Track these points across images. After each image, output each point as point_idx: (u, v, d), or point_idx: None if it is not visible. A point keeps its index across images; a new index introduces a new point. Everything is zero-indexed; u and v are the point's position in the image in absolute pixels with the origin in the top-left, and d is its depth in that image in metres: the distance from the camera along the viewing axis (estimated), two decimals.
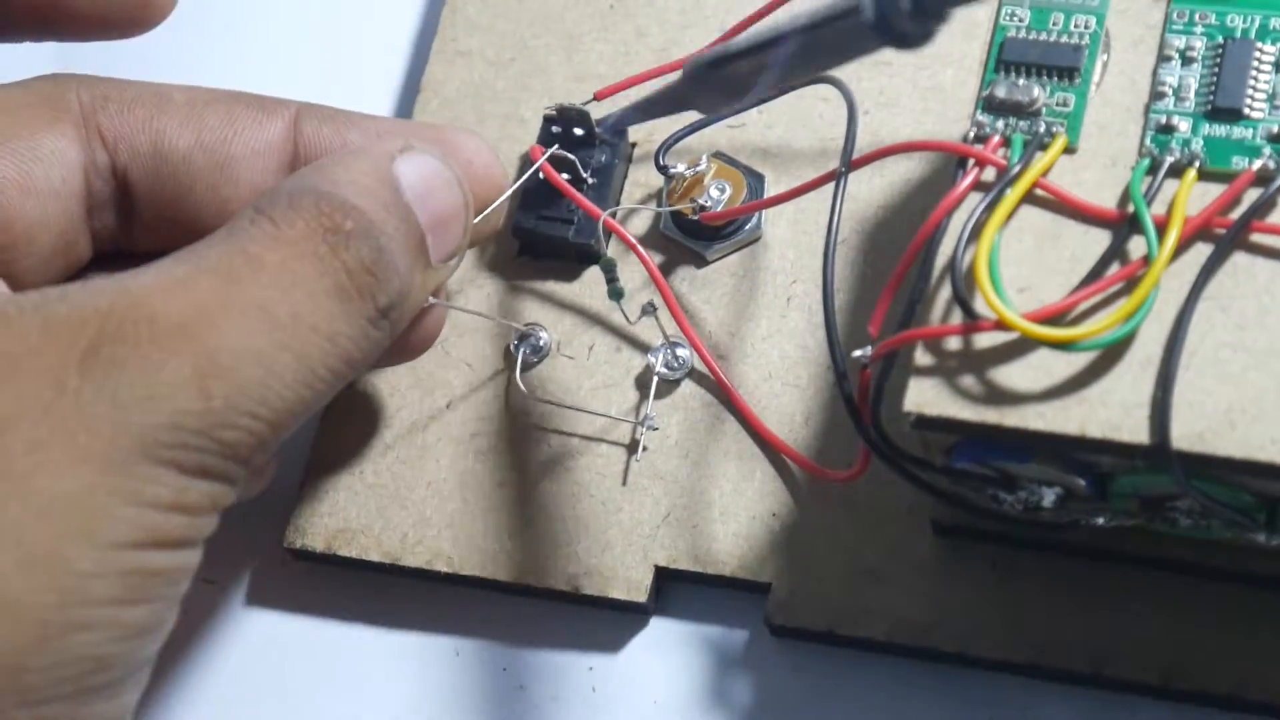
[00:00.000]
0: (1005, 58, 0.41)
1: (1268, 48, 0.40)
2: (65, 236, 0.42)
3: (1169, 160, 0.39)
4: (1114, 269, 0.39)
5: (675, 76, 0.46)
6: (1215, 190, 0.39)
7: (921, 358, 0.39)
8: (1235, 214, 0.39)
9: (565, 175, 0.48)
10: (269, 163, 0.43)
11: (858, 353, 0.40)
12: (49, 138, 0.42)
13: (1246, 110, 0.40)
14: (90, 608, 0.35)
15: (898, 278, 0.40)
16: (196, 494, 0.36)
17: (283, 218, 0.38)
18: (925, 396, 0.38)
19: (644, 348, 0.47)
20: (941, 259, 0.39)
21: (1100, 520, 0.40)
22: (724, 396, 0.46)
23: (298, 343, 0.37)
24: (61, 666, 0.35)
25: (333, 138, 0.43)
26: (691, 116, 0.47)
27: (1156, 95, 0.40)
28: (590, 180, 0.48)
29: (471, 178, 0.42)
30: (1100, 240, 0.39)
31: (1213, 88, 0.40)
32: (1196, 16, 0.41)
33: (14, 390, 0.35)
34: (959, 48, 0.48)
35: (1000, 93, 0.41)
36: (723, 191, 0.47)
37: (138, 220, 0.43)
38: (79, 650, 0.35)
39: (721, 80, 0.39)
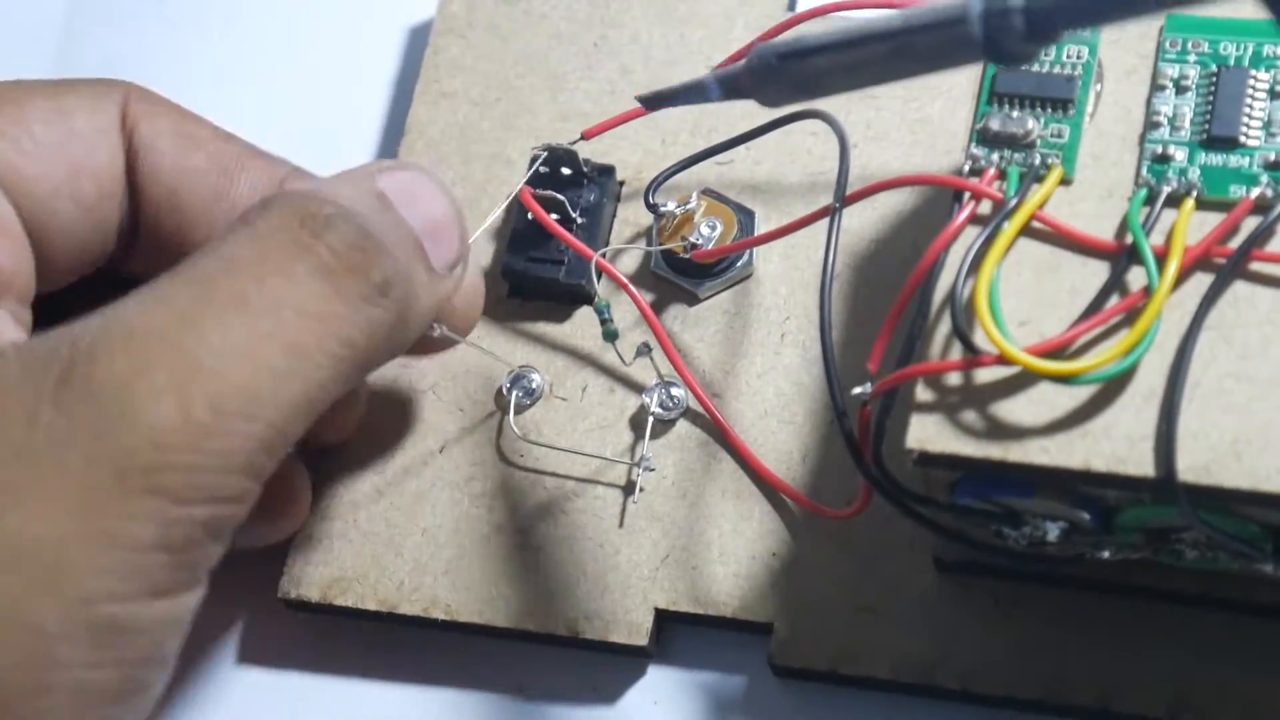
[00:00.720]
0: (998, 90, 0.41)
1: (1262, 75, 0.40)
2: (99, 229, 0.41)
3: (1166, 190, 0.39)
4: (1114, 300, 0.38)
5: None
6: (1214, 219, 0.39)
7: (922, 394, 0.38)
8: (1234, 243, 0.38)
9: (554, 215, 0.47)
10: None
11: (857, 390, 0.39)
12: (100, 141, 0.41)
13: (1243, 138, 0.39)
14: (56, 670, 0.33)
15: (895, 313, 0.39)
16: (188, 524, 0.34)
17: (258, 216, 0.37)
18: (928, 433, 0.38)
19: (638, 388, 0.47)
20: (940, 293, 0.39)
21: (1105, 554, 0.40)
22: (720, 436, 0.46)
23: (284, 330, 0.35)
24: None
25: None
26: (681, 153, 0.47)
27: (1151, 125, 0.40)
28: (579, 219, 0.48)
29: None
30: (1099, 272, 0.39)
31: (1208, 116, 0.40)
32: (1190, 45, 0.41)
33: None
34: (947, 79, 0.48)
35: (994, 125, 0.41)
36: (713, 229, 0.47)
37: (137, 246, 0.43)
38: (44, 718, 0.33)
39: (793, 75, 0.37)
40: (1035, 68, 0.41)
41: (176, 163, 0.42)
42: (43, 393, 0.34)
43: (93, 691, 0.33)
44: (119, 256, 0.43)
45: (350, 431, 0.45)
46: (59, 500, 0.33)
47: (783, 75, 0.37)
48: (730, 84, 0.39)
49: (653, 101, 0.44)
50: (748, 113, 0.49)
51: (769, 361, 0.47)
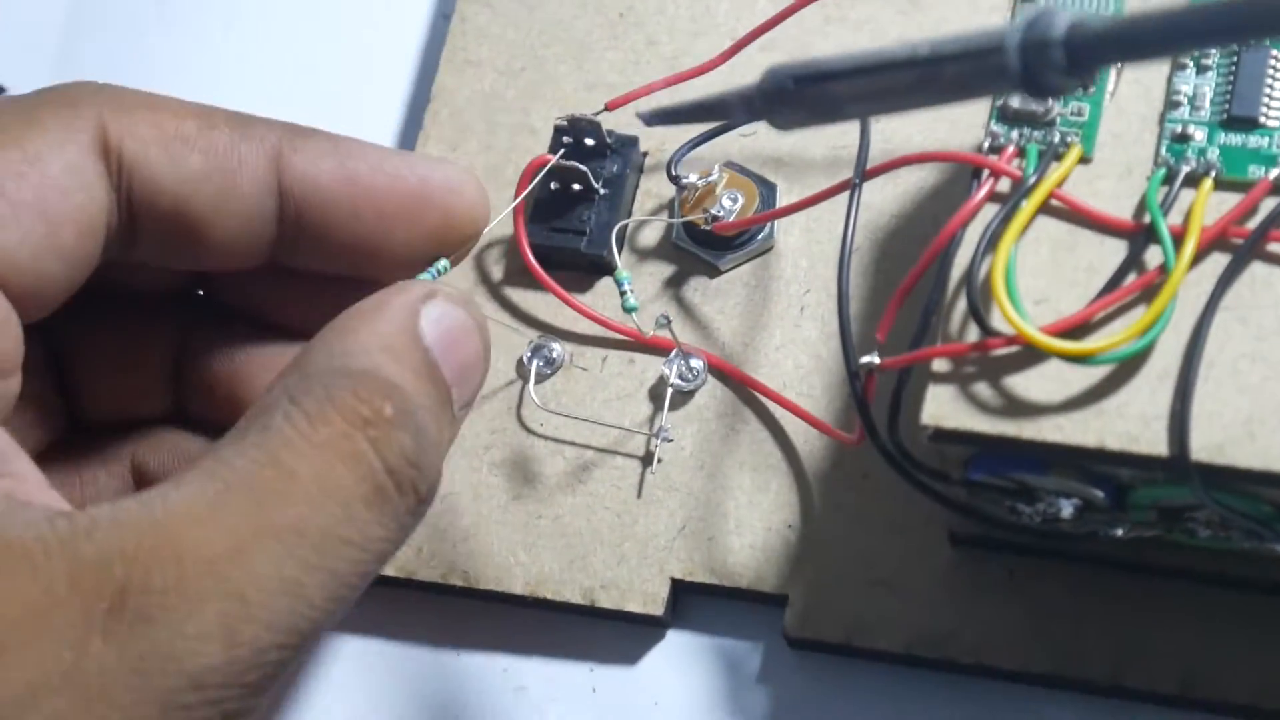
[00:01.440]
0: None
1: None
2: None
3: (1185, 170, 0.39)
4: (1131, 279, 0.38)
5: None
6: (1232, 200, 0.39)
7: (938, 370, 0.39)
8: (1252, 223, 0.38)
9: (576, 185, 0.47)
10: (248, 206, 0.41)
11: (864, 359, 0.40)
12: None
13: (1263, 119, 0.39)
14: None
15: (908, 286, 0.40)
16: None
17: (318, 413, 0.36)
18: (943, 409, 0.38)
19: (658, 359, 0.47)
20: (957, 270, 0.39)
21: (1119, 531, 0.40)
22: (740, 388, 0.46)
23: (330, 560, 0.35)
24: None
25: (336, 172, 0.41)
26: (704, 126, 0.47)
27: (1171, 104, 0.40)
28: (602, 190, 0.48)
29: (456, 212, 0.41)
30: (1116, 251, 0.39)
31: (1228, 96, 0.40)
32: None
33: (37, 654, 0.33)
34: None
35: (1014, 103, 0.41)
36: (735, 201, 0.47)
37: (137, 239, 0.41)
38: None
39: (810, 99, 0.36)
40: None
41: (172, 173, 0.40)
42: (93, 616, 0.33)
43: None
44: (118, 269, 0.42)
45: None
46: None
47: (798, 99, 0.36)
48: (741, 105, 0.39)
49: (654, 118, 0.43)
50: None
51: (788, 334, 0.47)
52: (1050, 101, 0.40)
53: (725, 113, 0.40)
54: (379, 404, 0.36)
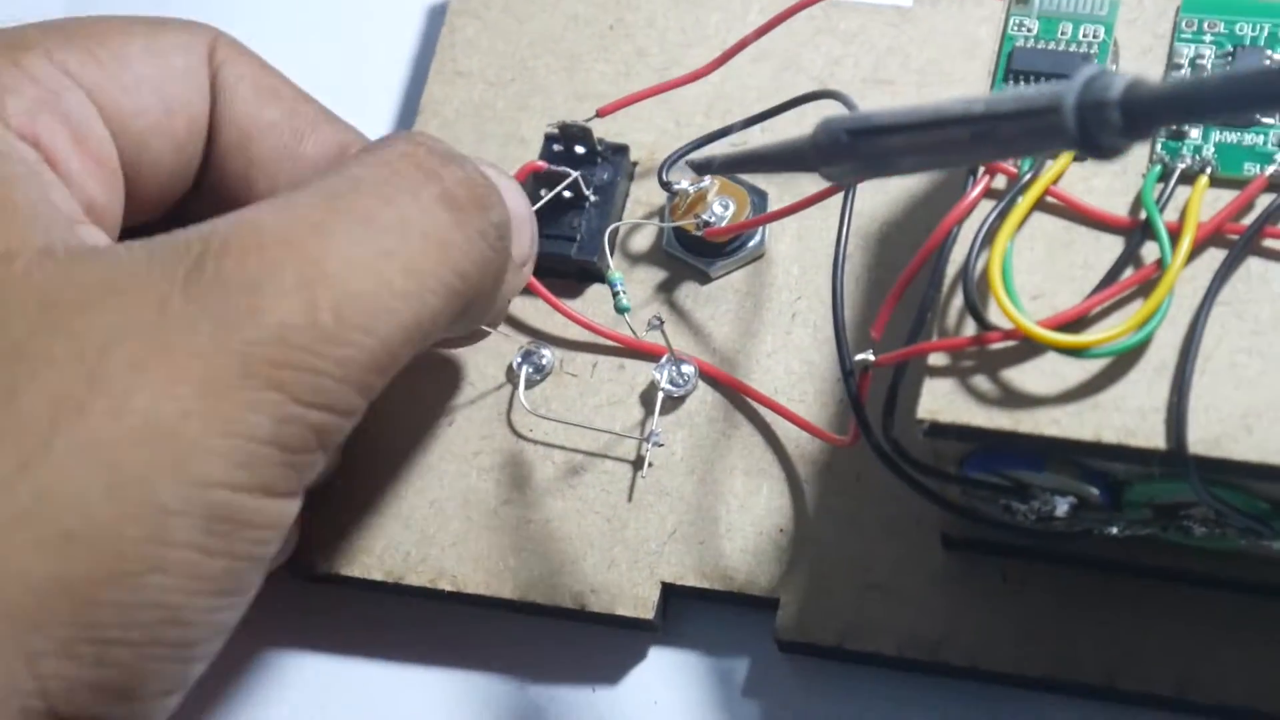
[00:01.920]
0: (1014, 67, 0.41)
1: (1278, 55, 0.40)
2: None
3: (1180, 167, 0.39)
4: (1127, 274, 0.38)
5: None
6: (1227, 197, 0.39)
7: (934, 365, 0.39)
8: (1248, 220, 0.39)
9: (567, 193, 0.47)
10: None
11: (859, 356, 0.40)
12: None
13: (1258, 117, 0.39)
14: (171, 548, 0.33)
15: (904, 282, 0.40)
16: (302, 425, 0.34)
17: (383, 145, 0.38)
18: (939, 403, 0.38)
19: (648, 364, 0.47)
20: (953, 267, 0.39)
21: (1114, 530, 0.40)
22: (732, 393, 0.46)
23: (406, 249, 0.36)
24: (134, 609, 0.33)
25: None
26: (694, 134, 0.47)
27: None
28: (593, 197, 0.48)
29: None
30: (1112, 247, 0.39)
31: None
32: (1205, 25, 0.41)
33: (118, 310, 0.34)
34: (961, 66, 0.48)
35: None
36: (726, 208, 0.47)
37: (202, 189, 0.43)
38: (154, 595, 0.33)
39: (863, 152, 0.35)
40: (1052, 45, 0.41)
41: (253, 112, 0.42)
42: (174, 280, 0.34)
43: (203, 578, 0.34)
44: (189, 198, 0.43)
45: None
46: (186, 384, 0.33)
47: (852, 153, 0.36)
48: (794, 157, 0.38)
49: (703, 167, 0.45)
50: (762, 94, 0.49)
51: (779, 341, 0.47)
52: None
53: (778, 164, 0.40)
54: (436, 145, 0.38)
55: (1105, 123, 0.30)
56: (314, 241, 0.35)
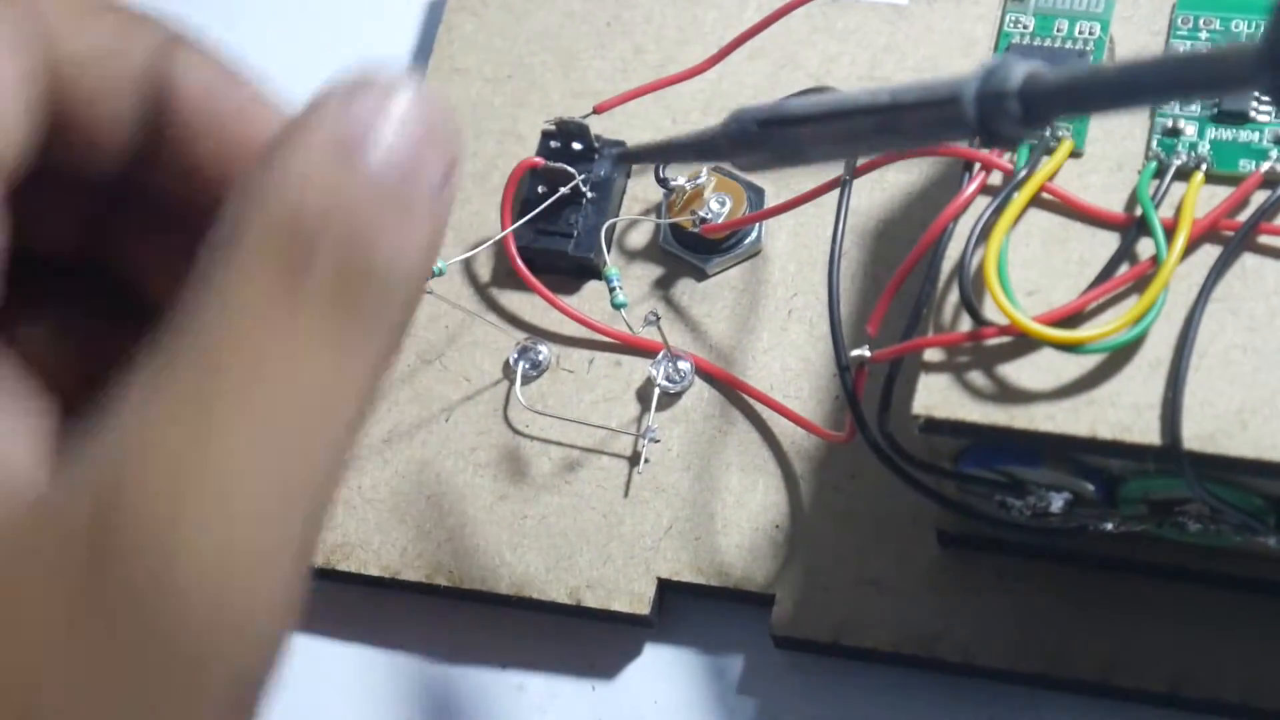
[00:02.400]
0: None
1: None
2: None
3: (1176, 163, 0.39)
4: (1123, 270, 0.39)
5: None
6: (1222, 193, 0.39)
7: (929, 361, 0.39)
8: (1243, 216, 0.39)
9: (564, 189, 0.47)
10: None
11: (855, 352, 0.40)
12: None
13: (1253, 113, 0.40)
14: None
15: (899, 278, 0.40)
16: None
17: (240, 224, 0.26)
18: (935, 399, 0.38)
19: (644, 361, 0.47)
20: (948, 263, 0.39)
21: (1108, 526, 0.40)
22: (728, 390, 0.46)
23: (281, 448, 0.26)
24: None
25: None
26: (691, 130, 0.47)
27: None
28: (589, 194, 0.48)
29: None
30: (1107, 243, 0.39)
31: None
32: (1201, 21, 0.41)
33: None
34: (957, 63, 0.49)
35: None
36: (723, 204, 0.47)
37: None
38: None
39: (773, 142, 0.35)
40: (1048, 42, 0.41)
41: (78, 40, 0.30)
42: (74, 588, 0.26)
43: None
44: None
45: None
46: None
47: (762, 142, 0.36)
48: (706, 147, 0.38)
49: (622, 158, 0.45)
50: (758, 91, 0.49)
51: (775, 337, 0.47)
52: None
53: (690, 154, 0.40)
54: (296, 229, 0.27)
55: (1004, 113, 0.30)
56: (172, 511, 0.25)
